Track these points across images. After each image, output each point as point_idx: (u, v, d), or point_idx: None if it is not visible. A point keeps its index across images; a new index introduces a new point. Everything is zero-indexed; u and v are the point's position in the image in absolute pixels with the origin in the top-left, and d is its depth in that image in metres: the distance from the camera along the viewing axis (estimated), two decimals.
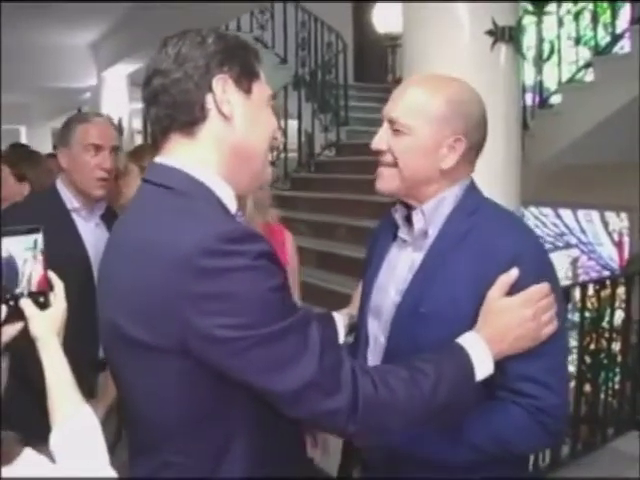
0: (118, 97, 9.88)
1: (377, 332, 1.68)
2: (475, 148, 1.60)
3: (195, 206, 1.25)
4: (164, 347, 1.20)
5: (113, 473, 1.25)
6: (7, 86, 9.04)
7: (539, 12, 5.21)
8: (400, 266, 1.65)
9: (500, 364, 1.46)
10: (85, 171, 2.38)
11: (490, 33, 2.75)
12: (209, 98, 1.29)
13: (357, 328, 1.76)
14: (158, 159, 1.33)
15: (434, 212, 1.59)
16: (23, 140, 12.21)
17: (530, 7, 5.19)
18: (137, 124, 11.43)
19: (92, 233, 2.44)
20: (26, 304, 1.37)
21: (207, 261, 1.15)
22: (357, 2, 10.13)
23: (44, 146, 11.83)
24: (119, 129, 9.71)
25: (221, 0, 6.18)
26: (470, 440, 1.49)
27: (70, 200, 2.42)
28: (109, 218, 2.47)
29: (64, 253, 2.22)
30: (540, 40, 5.36)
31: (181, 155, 1.31)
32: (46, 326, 1.36)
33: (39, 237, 1.40)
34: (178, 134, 1.31)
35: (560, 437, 1.48)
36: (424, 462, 1.53)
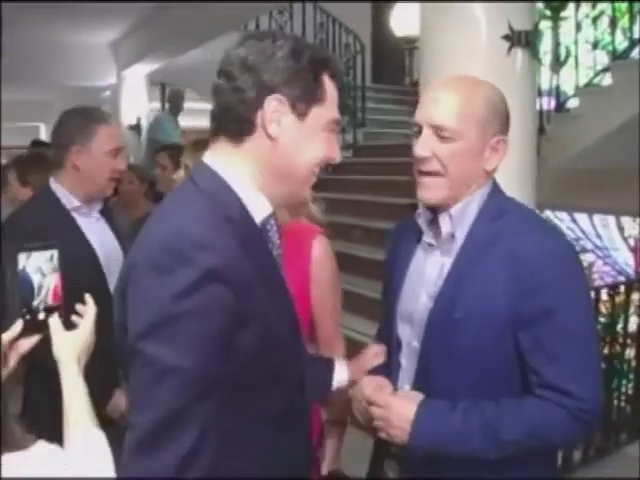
0: (137, 96, 9.94)
1: (410, 337, 1.69)
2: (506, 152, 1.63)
3: (196, 203, 1.29)
4: (120, 323, 1.28)
5: None
6: (28, 84, 9.13)
7: (555, 17, 5.20)
8: (429, 270, 1.66)
9: (536, 359, 1.51)
10: (104, 173, 2.40)
11: (506, 38, 2.76)
12: (259, 115, 1.30)
13: (386, 334, 1.77)
14: (205, 158, 1.37)
15: (461, 215, 1.61)
16: (42, 137, 12.29)
17: (547, 12, 5.17)
18: None
19: (94, 229, 2.46)
20: (54, 322, 1.42)
21: (157, 254, 1.21)
22: (376, 3, 10.14)
23: None
24: (138, 128, 9.79)
25: (241, 0, 6.19)
26: (511, 437, 1.50)
27: (69, 199, 2.41)
28: (106, 211, 2.53)
29: (72, 255, 2.27)
30: (556, 44, 5.35)
31: (224, 158, 1.34)
32: (67, 349, 1.40)
33: (55, 252, 1.45)
34: (226, 138, 1.34)
35: (595, 428, 1.53)
36: (464, 459, 1.56)
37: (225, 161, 1.34)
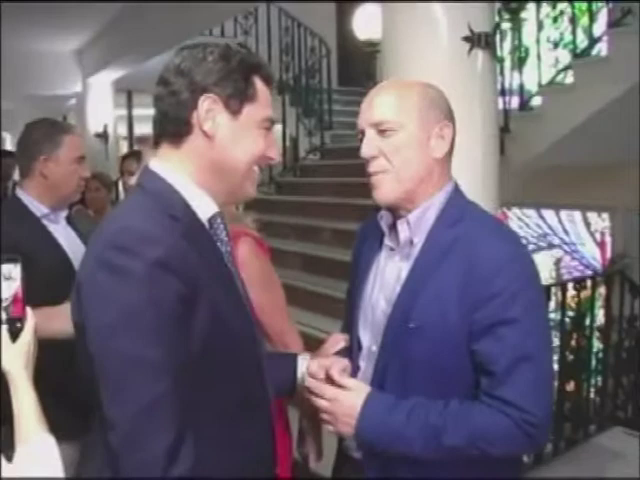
0: (103, 104, 9.89)
1: (369, 341, 1.68)
2: (453, 143, 1.63)
3: (141, 203, 1.36)
4: (78, 323, 1.32)
5: None
6: None
7: (514, 18, 5.28)
8: (388, 274, 1.66)
9: (486, 370, 1.50)
10: (73, 180, 2.48)
11: (467, 39, 2.80)
12: (194, 114, 1.36)
13: (349, 334, 1.76)
14: (151, 163, 1.42)
15: (419, 221, 1.60)
16: (8, 147, 12.17)
17: (505, 14, 5.24)
18: (122, 130, 11.45)
19: (63, 235, 2.50)
20: (3, 332, 1.46)
21: (107, 252, 1.26)
22: (340, 6, 10.18)
23: None
24: (105, 135, 9.74)
25: (206, 0, 6.10)
26: (452, 443, 1.49)
27: (38, 207, 2.45)
28: (69, 217, 2.59)
29: (47, 260, 2.30)
30: (517, 45, 5.43)
31: (167, 161, 1.40)
32: (14, 360, 1.44)
33: (18, 266, 1.50)
34: (167, 142, 1.40)
35: (542, 445, 1.51)
36: (415, 463, 1.56)
37: (168, 164, 1.39)
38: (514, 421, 1.47)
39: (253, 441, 1.44)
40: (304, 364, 1.71)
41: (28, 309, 1.51)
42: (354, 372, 1.69)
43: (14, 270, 1.50)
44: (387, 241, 1.68)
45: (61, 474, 1.34)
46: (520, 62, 5.42)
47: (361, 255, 1.79)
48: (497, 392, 1.48)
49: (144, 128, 10.44)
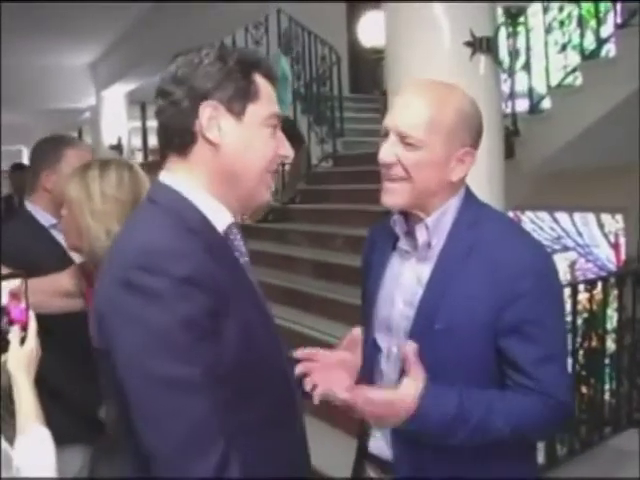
0: (117, 116, 9.98)
1: (390, 344, 1.69)
2: (475, 154, 1.62)
3: (158, 219, 1.31)
4: (102, 349, 1.29)
5: None
6: (7, 106, 9.14)
7: (514, 23, 5.29)
8: (405, 277, 1.67)
9: (514, 365, 1.54)
10: None
11: (469, 44, 2.83)
12: (197, 123, 1.31)
13: (364, 339, 1.74)
14: (160, 176, 1.39)
15: (437, 225, 1.61)
16: (24, 161, 12.30)
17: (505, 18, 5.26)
18: (136, 142, 11.55)
19: None
20: (13, 335, 1.55)
21: (131, 274, 1.21)
22: (351, 14, 10.22)
23: None
24: (119, 147, 9.82)
25: (217, 0, 6.08)
26: (497, 431, 1.52)
27: (46, 218, 2.54)
28: None
29: (55, 270, 2.36)
30: (522, 49, 5.45)
31: (176, 173, 1.35)
32: (19, 364, 1.55)
33: (21, 280, 1.59)
34: (174, 153, 1.36)
35: (568, 422, 1.60)
36: (446, 462, 1.60)
37: (178, 176, 1.35)
38: (547, 404, 1.53)
39: (285, 454, 1.42)
40: None
41: (31, 315, 1.58)
42: (378, 375, 1.71)
43: (20, 283, 1.58)
44: (402, 245, 1.69)
45: (53, 460, 1.45)
46: (527, 65, 5.44)
47: (373, 259, 1.80)
48: (528, 382, 1.53)
49: None
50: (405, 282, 1.67)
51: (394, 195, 1.60)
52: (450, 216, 1.62)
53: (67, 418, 2.34)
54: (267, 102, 1.37)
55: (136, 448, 1.26)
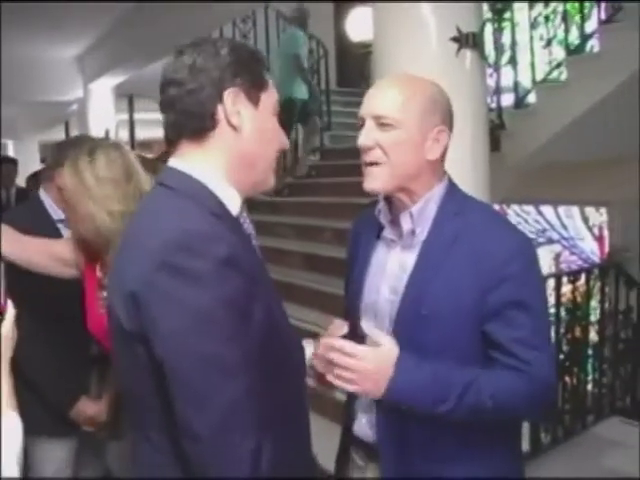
0: (104, 109, 9.93)
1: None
2: (449, 140, 1.69)
3: (183, 204, 1.33)
4: (135, 332, 1.28)
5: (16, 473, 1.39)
6: None
7: (499, 18, 5.36)
8: (390, 265, 1.72)
9: (497, 345, 1.59)
10: None
11: (455, 39, 2.87)
12: (220, 109, 1.37)
13: (349, 326, 1.76)
14: (171, 162, 1.42)
15: (421, 213, 1.67)
16: (11, 154, 12.25)
17: (489, 14, 5.31)
18: (124, 135, 11.51)
19: None
20: None
21: (173, 256, 1.23)
22: (338, 8, 10.23)
23: (32, 159, 11.91)
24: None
25: (208, 1, 6.12)
26: (477, 398, 1.55)
27: (56, 211, 2.57)
28: None
29: None
30: (509, 44, 5.50)
31: (191, 159, 1.39)
32: None
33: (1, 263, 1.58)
34: (189, 140, 1.39)
35: (551, 405, 1.64)
36: (431, 444, 1.66)
37: (192, 161, 1.38)
38: (529, 378, 1.57)
39: (301, 442, 1.49)
40: (309, 349, 1.73)
41: (10, 305, 1.60)
42: None
43: None
44: (387, 234, 1.74)
45: (19, 445, 1.41)
46: (512, 60, 5.49)
47: (358, 249, 1.84)
48: (514, 362, 1.58)
49: (146, 132, 10.53)
50: (390, 270, 1.72)
51: (375, 179, 1.65)
52: (434, 205, 1.68)
53: (43, 411, 2.34)
54: (272, 91, 1.45)
55: (171, 438, 1.29)
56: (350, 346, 1.57)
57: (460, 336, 1.61)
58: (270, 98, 1.44)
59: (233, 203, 1.40)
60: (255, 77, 1.41)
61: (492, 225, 1.67)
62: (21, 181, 7.38)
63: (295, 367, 1.51)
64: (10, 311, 1.59)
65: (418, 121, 1.63)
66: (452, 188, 1.72)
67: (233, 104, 1.37)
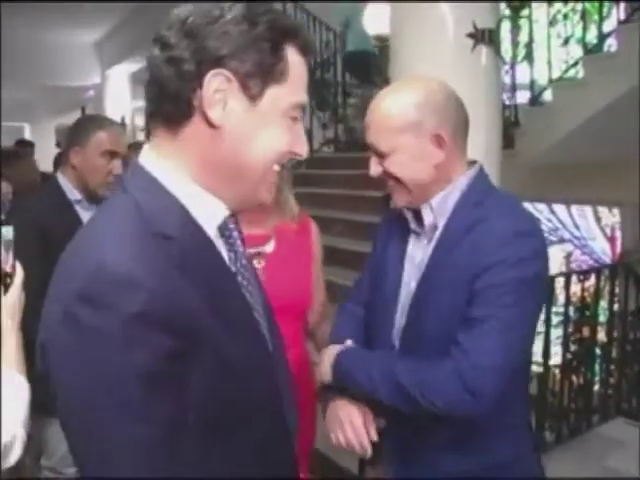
0: (121, 95, 10.02)
1: (399, 322, 1.75)
2: (458, 131, 1.64)
3: (122, 219, 1.04)
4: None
5: (22, 433, 1.43)
6: (12, 83, 9.17)
7: (516, 16, 5.34)
8: (417, 258, 1.73)
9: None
10: (98, 174, 2.61)
11: (471, 36, 2.88)
12: (198, 93, 1.03)
13: (377, 315, 1.82)
14: (142, 153, 1.13)
15: (441, 205, 1.66)
16: (27, 137, 12.32)
17: (507, 11, 5.31)
18: (140, 121, 11.57)
19: None
20: None
21: (73, 304, 0.95)
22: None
23: (48, 143, 11.97)
24: (122, 126, 9.85)
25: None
26: (397, 379, 1.58)
27: (72, 192, 2.65)
28: None
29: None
30: (526, 41, 5.49)
31: (160, 153, 1.09)
32: (4, 310, 1.57)
33: (9, 228, 1.63)
34: (162, 126, 1.08)
35: (486, 404, 1.55)
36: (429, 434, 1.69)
37: (162, 157, 1.08)
38: (457, 367, 1.51)
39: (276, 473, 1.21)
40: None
41: (17, 266, 1.63)
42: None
43: (8, 232, 1.62)
44: (413, 226, 1.75)
45: (23, 411, 1.46)
46: (529, 57, 5.48)
47: (389, 243, 1.84)
48: (458, 337, 1.54)
49: None
50: (416, 262, 1.73)
51: (398, 200, 1.70)
52: (455, 196, 1.66)
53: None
54: (296, 87, 1.09)
55: None
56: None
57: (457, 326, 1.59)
58: (287, 96, 1.08)
59: (211, 216, 1.10)
60: (263, 62, 1.04)
61: (500, 213, 1.62)
62: (39, 163, 7.42)
63: (265, 408, 1.17)
64: (19, 274, 1.63)
65: (411, 137, 1.61)
66: (478, 179, 1.69)
67: (216, 91, 1.03)
